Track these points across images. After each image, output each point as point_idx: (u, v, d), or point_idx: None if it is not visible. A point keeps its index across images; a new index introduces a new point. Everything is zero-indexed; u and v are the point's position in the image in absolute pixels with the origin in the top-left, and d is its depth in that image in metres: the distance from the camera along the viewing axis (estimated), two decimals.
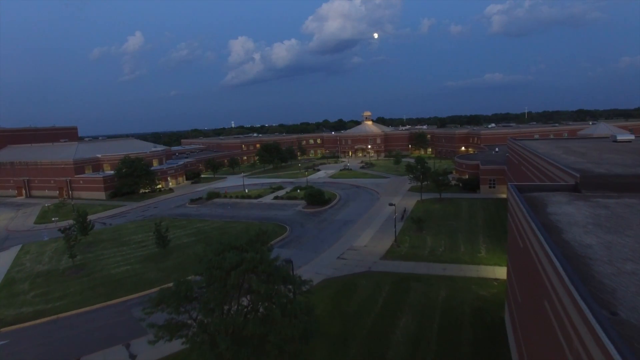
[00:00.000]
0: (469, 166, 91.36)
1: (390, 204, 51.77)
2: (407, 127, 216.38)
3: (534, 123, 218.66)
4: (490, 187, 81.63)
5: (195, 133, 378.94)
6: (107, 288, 42.15)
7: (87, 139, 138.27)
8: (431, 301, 35.43)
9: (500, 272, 40.68)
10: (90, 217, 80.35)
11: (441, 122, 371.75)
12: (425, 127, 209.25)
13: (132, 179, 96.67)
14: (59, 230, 49.10)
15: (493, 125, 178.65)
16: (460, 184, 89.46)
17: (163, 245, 51.86)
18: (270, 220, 69.92)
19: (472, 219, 63.10)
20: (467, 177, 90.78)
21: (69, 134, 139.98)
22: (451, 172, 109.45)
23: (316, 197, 77.56)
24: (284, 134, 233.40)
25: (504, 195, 78.07)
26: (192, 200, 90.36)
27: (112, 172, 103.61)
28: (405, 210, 69.23)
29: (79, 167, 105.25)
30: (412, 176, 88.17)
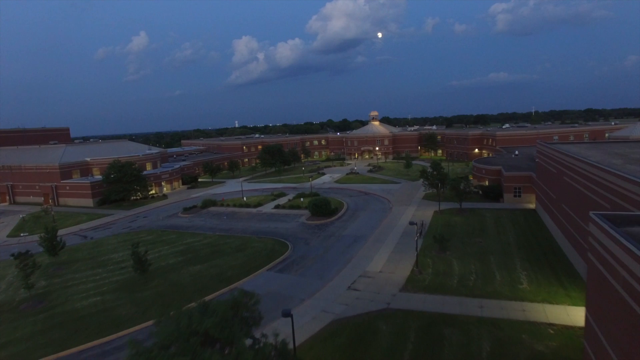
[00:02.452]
0: (490, 172, 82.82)
1: (411, 223, 43.52)
2: (416, 127, 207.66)
3: (549, 123, 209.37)
4: (515, 196, 73.07)
5: (198, 133, 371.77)
6: (64, 330, 34.20)
7: (77, 141, 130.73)
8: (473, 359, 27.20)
9: (554, 314, 32.35)
10: (71, 229, 73.42)
11: (447, 122, 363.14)
12: (434, 127, 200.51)
13: (120, 185, 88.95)
14: (12, 255, 41.20)
15: (507, 125, 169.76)
16: (480, 192, 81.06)
17: (142, 270, 43.95)
18: (270, 235, 61.91)
19: (501, 235, 54.74)
20: (487, 183, 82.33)
21: (60, 136, 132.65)
22: (467, 177, 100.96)
23: (321, 208, 69.42)
24: (287, 135, 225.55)
25: (532, 206, 69.62)
26: (186, 209, 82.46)
27: (100, 177, 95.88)
28: (422, 224, 60.89)
29: (66, 171, 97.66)
30: (427, 183, 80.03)
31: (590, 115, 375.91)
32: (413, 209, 73.18)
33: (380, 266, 45.88)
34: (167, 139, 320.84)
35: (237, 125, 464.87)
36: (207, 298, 39.65)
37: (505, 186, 74.03)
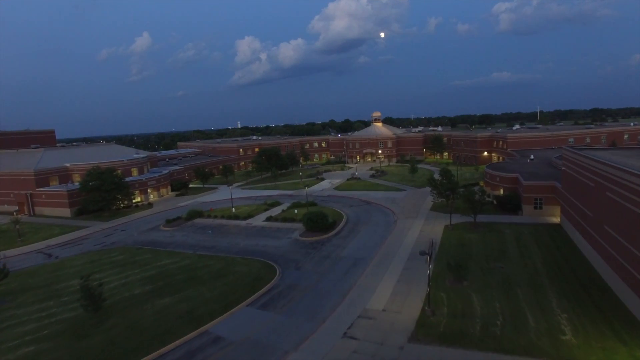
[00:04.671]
0: (505, 179, 74.52)
1: (422, 253, 35.35)
2: (420, 128, 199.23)
3: (561, 124, 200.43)
4: (535, 208, 64.82)
5: (198, 134, 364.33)
6: None
7: (59, 145, 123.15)
8: None
9: None
10: (36, 246, 65.62)
11: (451, 122, 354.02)
12: (439, 128, 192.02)
13: (99, 194, 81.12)
14: None
15: (518, 126, 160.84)
16: (495, 201, 72.73)
17: (94, 308, 36.10)
18: (257, 255, 53.99)
19: (526, 258, 46.53)
20: (502, 192, 74.06)
21: (44, 139, 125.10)
22: (477, 184, 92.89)
23: (317, 222, 61.41)
24: (287, 136, 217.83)
25: (556, 220, 61.41)
26: (168, 221, 74.62)
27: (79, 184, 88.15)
28: (432, 243, 52.58)
29: (42, 178, 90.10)
30: (435, 192, 71.90)
31: (597, 114, 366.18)
32: (420, 222, 65.00)
33: (384, 302, 37.81)
34: (167, 140, 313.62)
35: (239, 126, 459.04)
36: (166, 349, 31.82)
37: (524, 197, 65.70)
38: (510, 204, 67.96)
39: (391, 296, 38.89)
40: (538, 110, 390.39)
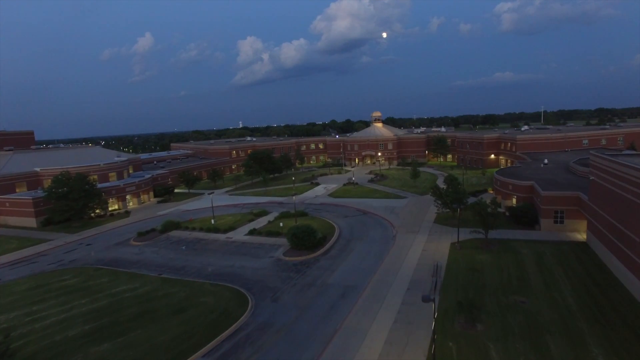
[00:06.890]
0: (519, 188, 65.95)
1: (425, 299, 26.90)
2: (423, 129, 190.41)
3: (572, 124, 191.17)
4: (556, 223, 56.30)
5: (195, 135, 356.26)
6: None
7: (33, 147, 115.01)
8: None
9: None
10: None
11: (454, 122, 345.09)
12: (442, 129, 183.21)
13: (65, 202, 72.99)
14: None
15: (526, 127, 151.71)
16: (506, 212, 64.33)
17: None
18: (230, 280, 45.84)
19: (552, 289, 38.12)
20: (514, 202, 65.61)
21: (21, 140, 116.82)
22: (486, 190, 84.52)
23: (303, 240, 53.02)
24: (286, 137, 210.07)
25: (581, 237, 52.90)
26: (140, 234, 66.44)
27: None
28: (437, 267, 44.06)
29: (7, 184, 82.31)
30: (440, 203, 63.84)
31: (603, 114, 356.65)
32: (423, 238, 56.55)
33: (376, 355, 29.41)
34: (166, 141, 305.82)
35: (240, 126, 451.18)
36: None
37: (542, 209, 57.13)
38: (526, 216, 59.39)
39: (385, 346, 30.50)
40: (542, 110, 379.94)
